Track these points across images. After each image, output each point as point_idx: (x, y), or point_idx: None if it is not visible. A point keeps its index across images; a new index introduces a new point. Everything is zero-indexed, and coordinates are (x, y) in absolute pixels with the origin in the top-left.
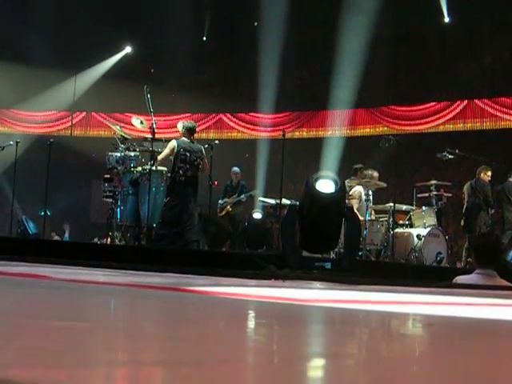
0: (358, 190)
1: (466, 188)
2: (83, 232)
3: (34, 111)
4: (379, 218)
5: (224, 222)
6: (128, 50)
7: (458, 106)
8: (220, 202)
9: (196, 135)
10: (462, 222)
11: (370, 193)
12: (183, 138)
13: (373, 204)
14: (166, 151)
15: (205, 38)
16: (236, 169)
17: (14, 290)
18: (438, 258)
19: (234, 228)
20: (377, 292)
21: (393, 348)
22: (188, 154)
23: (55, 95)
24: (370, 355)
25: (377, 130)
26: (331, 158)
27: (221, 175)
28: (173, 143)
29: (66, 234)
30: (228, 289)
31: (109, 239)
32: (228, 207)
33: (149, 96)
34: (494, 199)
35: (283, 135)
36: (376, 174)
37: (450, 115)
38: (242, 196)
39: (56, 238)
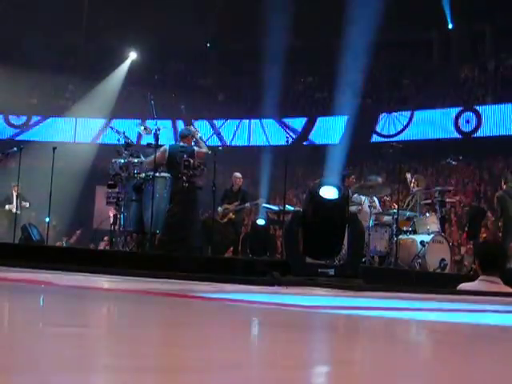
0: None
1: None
2: (87, 238)
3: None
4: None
5: (227, 228)
6: (133, 56)
7: (461, 111)
8: (220, 208)
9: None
10: (466, 229)
11: (375, 199)
12: (176, 143)
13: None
14: (157, 154)
15: (208, 45)
16: (238, 174)
17: (18, 296)
18: (442, 265)
19: (237, 235)
20: (380, 298)
21: (396, 355)
22: (191, 161)
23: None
24: (373, 362)
25: (381, 135)
26: (335, 164)
27: (226, 181)
28: (164, 147)
29: (72, 240)
30: (231, 295)
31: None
32: (231, 214)
33: (152, 102)
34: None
35: (287, 141)
36: (380, 179)
37: (452, 121)
38: (247, 204)
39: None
